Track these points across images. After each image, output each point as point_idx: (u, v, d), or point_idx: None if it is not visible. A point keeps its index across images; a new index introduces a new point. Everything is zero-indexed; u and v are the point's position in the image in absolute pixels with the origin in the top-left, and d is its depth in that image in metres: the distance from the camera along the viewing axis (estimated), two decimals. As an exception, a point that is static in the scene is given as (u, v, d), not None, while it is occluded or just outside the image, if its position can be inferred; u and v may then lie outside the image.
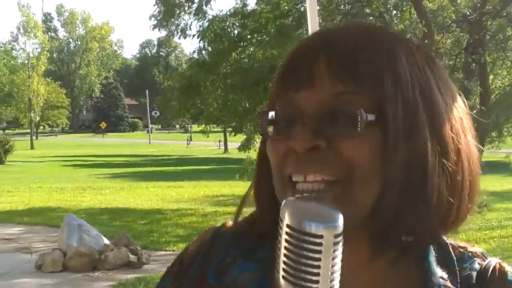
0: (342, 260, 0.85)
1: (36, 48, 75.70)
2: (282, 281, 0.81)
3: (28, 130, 79.19)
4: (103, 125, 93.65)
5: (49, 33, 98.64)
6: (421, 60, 0.98)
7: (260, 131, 1.00)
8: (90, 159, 49.76)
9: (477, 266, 1.02)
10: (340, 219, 0.81)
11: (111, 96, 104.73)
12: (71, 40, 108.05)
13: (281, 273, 0.80)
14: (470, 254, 1.04)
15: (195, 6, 18.05)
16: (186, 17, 18.54)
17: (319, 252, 0.78)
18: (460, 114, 0.99)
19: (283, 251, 0.80)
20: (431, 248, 1.00)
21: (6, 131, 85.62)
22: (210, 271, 1.07)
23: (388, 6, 20.30)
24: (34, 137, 77.48)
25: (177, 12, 18.19)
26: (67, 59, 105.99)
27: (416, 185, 0.91)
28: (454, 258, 1.01)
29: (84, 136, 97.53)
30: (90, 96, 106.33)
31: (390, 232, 0.92)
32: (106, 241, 11.52)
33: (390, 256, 0.95)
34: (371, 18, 19.68)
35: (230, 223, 1.13)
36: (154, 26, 18.62)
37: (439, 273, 0.98)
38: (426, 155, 0.92)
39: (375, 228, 0.92)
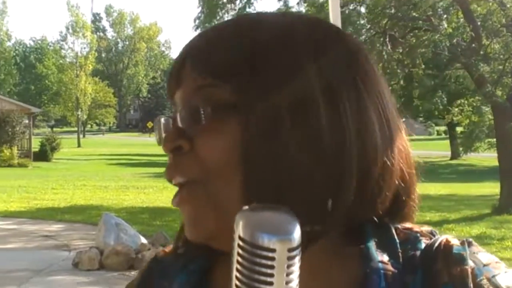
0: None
1: (85, 48, 76.95)
2: None
3: (76, 129, 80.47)
4: (149, 124, 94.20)
5: (98, 33, 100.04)
6: (302, 37, 0.89)
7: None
8: (135, 158, 50.32)
9: (422, 246, 0.93)
10: (297, 231, 0.74)
11: (158, 96, 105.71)
12: (119, 40, 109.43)
13: None
14: (416, 234, 0.95)
15: (237, 7, 18.09)
16: (229, 18, 18.60)
17: (272, 267, 0.72)
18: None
19: (235, 265, 0.74)
20: (370, 233, 0.92)
21: (54, 129, 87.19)
22: None
23: (437, 8, 20.04)
24: (81, 136, 78.72)
25: (220, 13, 18.26)
26: (115, 59, 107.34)
27: (286, 179, 0.83)
28: (396, 240, 0.92)
29: (130, 135, 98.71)
30: (137, 95, 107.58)
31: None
32: (143, 240, 11.59)
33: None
34: (419, 22, 19.48)
35: (170, 246, 1.07)
36: (196, 27, 18.70)
37: (379, 257, 0.90)
38: (287, 149, 0.83)
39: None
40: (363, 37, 18.10)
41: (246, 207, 0.79)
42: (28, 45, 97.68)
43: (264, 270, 0.72)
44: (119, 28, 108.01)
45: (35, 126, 64.15)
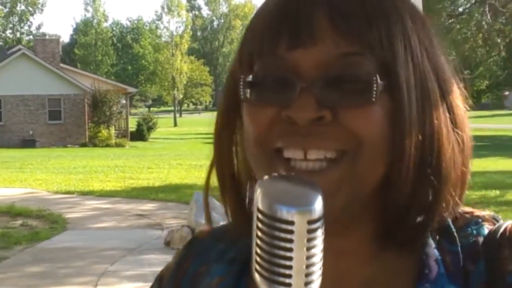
0: (338, 249, 0.82)
1: (180, 27, 78.11)
2: (255, 274, 0.70)
3: (172, 108, 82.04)
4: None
5: (193, 12, 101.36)
6: (421, 20, 0.87)
7: (241, 95, 0.84)
8: (230, 137, 50.83)
9: (485, 231, 0.88)
10: (318, 203, 0.69)
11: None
12: (214, 18, 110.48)
13: (254, 265, 0.70)
14: (478, 219, 0.89)
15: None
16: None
17: (290, 241, 0.68)
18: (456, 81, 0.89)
19: (255, 240, 0.70)
20: None
21: (151, 109, 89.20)
22: (183, 282, 0.98)
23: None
24: (177, 115, 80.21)
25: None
26: (210, 37, 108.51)
27: (431, 157, 0.82)
28: (450, 222, 0.88)
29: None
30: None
31: (404, 209, 0.83)
32: (234, 219, 11.66)
33: (397, 241, 0.85)
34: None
35: (207, 227, 1.02)
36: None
37: (434, 243, 0.87)
38: (440, 125, 0.83)
39: (389, 205, 0.83)
40: (461, 8, 17.55)
41: (266, 176, 0.74)
42: (125, 26, 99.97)
43: (283, 244, 0.68)
44: (214, 6, 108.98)
45: (132, 106, 65.79)
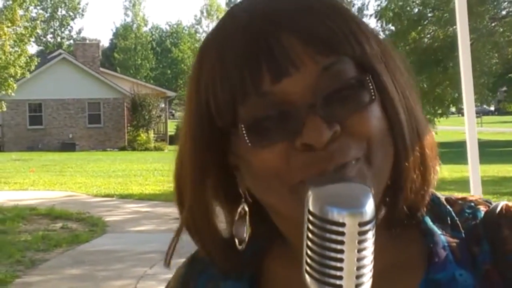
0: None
1: (219, 31, 78.30)
2: (305, 276, 0.72)
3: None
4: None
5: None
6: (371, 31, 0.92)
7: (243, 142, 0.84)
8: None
9: (481, 214, 0.91)
10: (369, 204, 0.71)
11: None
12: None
13: (304, 266, 0.72)
14: (471, 203, 0.94)
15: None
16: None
17: (342, 242, 0.69)
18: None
19: (305, 241, 0.72)
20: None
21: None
22: None
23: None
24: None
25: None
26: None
27: (414, 145, 0.88)
28: (450, 209, 0.92)
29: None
30: None
31: (400, 199, 0.87)
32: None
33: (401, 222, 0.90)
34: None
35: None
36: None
37: (439, 230, 0.90)
38: (417, 111, 0.89)
39: (393, 196, 0.87)
40: (504, 11, 17.29)
41: (316, 177, 0.78)
42: (164, 30, 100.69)
43: (334, 246, 0.71)
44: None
45: (171, 110, 66.22)
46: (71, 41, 74.81)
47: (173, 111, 66.72)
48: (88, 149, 42.57)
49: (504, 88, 40.75)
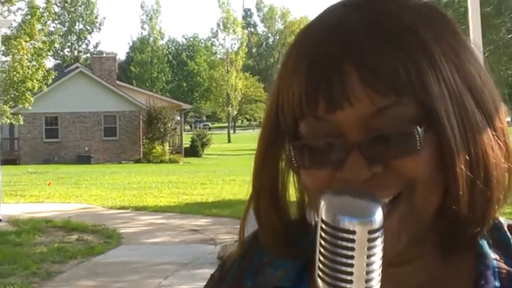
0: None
1: (235, 44, 78.57)
2: (318, 280, 0.77)
3: (226, 124, 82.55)
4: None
5: (249, 29, 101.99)
6: (449, 40, 0.87)
7: (290, 161, 0.88)
8: (284, 153, 50.87)
9: None
10: (378, 214, 0.76)
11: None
12: (270, 35, 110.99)
13: (317, 271, 0.77)
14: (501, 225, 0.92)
15: None
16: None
17: (352, 249, 0.75)
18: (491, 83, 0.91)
19: (318, 248, 0.77)
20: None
21: (205, 125, 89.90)
22: (248, 273, 1.01)
23: None
24: (231, 131, 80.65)
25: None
26: (266, 54, 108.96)
27: (480, 175, 0.85)
28: (510, 237, 0.91)
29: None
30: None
31: (463, 224, 0.86)
32: (287, 235, 11.65)
33: (457, 250, 0.89)
34: None
35: None
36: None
37: (493, 255, 0.89)
38: (486, 150, 0.85)
39: (449, 225, 0.86)
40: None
41: (329, 190, 0.81)
42: (180, 43, 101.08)
43: (345, 252, 0.74)
44: (269, 23, 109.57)
45: (186, 123, 66.38)
46: (88, 55, 75.28)
47: (189, 124, 66.83)
48: (104, 162, 42.78)
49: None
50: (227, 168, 34.80)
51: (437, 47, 0.84)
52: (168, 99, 51.40)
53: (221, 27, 79.64)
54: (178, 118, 48.43)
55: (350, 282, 0.74)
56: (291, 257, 0.95)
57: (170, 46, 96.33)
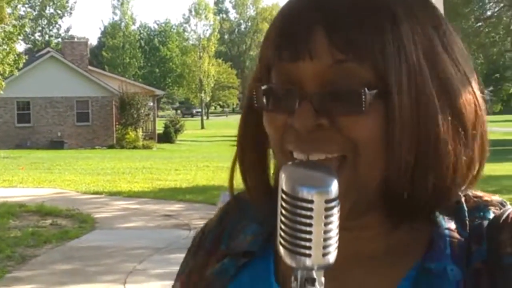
0: (356, 231, 0.94)
1: (207, 30, 78.32)
2: (279, 247, 0.81)
3: (199, 110, 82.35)
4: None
5: (220, 15, 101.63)
6: (422, 18, 0.91)
7: (254, 102, 0.95)
8: (257, 140, 50.86)
9: (491, 215, 0.95)
10: (334, 185, 0.80)
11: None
12: (242, 21, 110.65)
13: (278, 239, 0.81)
14: (486, 203, 0.97)
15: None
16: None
17: (310, 217, 0.78)
18: (473, 78, 0.95)
19: (279, 217, 0.81)
20: None
21: (178, 112, 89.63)
22: (223, 237, 1.08)
23: None
24: (204, 117, 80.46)
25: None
26: (238, 40, 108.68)
27: (426, 156, 0.89)
28: (465, 208, 0.96)
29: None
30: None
31: (403, 203, 0.91)
32: (261, 220, 11.77)
33: (400, 220, 0.94)
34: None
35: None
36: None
37: (446, 224, 0.94)
38: (437, 127, 0.88)
39: (388, 201, 0.92)
40: (490, 11, 17.48)
41: (290, 163, 0.87)
42: (152, 29, 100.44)
43: (304, 220, 0.78)
44: (241, 9, 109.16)
45: (159, 109, 66.13)
46: (59, 39, 74.44)
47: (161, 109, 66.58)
48: (77, 147, 42.51)
49: (490, 88, 41.00)
50: (201, 154, 34.82)
51: (408, 22, 0.88)
52: (141, 85, 51.11)
53: (193, 13, 79.33)
54: (151, 104, 48.21)
55: (309, 248, 0.78)
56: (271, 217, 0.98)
57: (142, 31, 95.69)
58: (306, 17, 0.88)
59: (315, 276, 0.80)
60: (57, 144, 41.99)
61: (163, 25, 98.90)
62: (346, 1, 0.88)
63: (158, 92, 53.29)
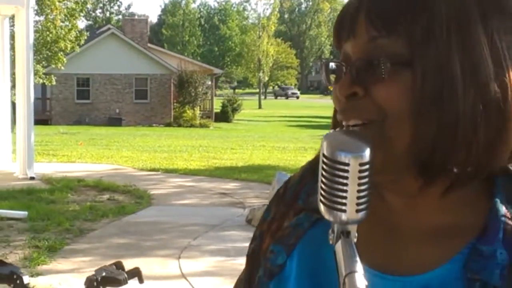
0: (392, 192, 1.04)
1: (267, 9, 78.31)
2: (320, 204, 0.93)
3: (257, 90, 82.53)
4: (331, 87, 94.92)
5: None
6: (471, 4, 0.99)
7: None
8: (315, 120, 50.91)
9: None
10: (367, 151, 0.91)
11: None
12: (302, 0, 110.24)
13: (319, 197, 0.93)
14: None
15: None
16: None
17: (346, 178, 0.90)
18: None
19: (320, 178, 0.92)
20: (500, 186, 1.03)
21: (236, 91, 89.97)
22: (302, 194, 1.18)
23: None
24: (262, 97, 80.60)
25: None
26: (298, 20, 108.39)
27: (449, 129, 0.97)
28: None
29: (311, 97, 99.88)
30: (320, 57, 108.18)
31: (430, 164, 0.99)
32: (315, 200, 11.83)
33: (440, 187, 1.02)
34: None
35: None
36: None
37: (503, 211, 1.01)
38: (459, 101, 0.96)
39: (415, 163, 0.99)
40: None
41: (332, 131, 1.00)
42: (212, 7, 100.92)
43: (340, 180, 0.90)
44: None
45: (217, 87, 66.51)
46: (120, 17, 75.41)
47: (220, 88, 66.91)
48: (134, 124, 43.21)
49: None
50: (257, 134, 35.01)
51: (447, 13, 0.97)
52: (199, 63, 51.55)
53: (254, -9, 79.20)
54: (209, 82, 48.58)
55: (345, 204, 0.90)
56: None
57: (202, 10, 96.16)
58: (354, 5, 1.02)
59: (349, 229, 0.92)
60: (115, 121, 42.74)
61: (223, 3, 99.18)
62: None
63: (217, 71, 53.61)
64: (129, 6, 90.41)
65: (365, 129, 0.99)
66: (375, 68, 0.97)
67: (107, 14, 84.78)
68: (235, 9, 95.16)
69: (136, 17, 48.90)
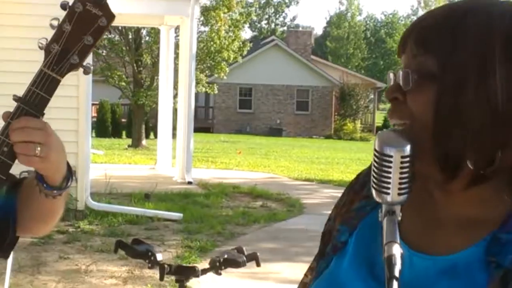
0: (421, 182, 1.22)
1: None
2: (371, 189, 1.18)
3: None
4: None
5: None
6: (498, 29, 1.16)
7: None
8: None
9: None
10: (408, 146, 1.14)
11: None
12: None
13: (371, 183, 1.18)
14: None
15: None
16: None
17: (390, 167, 1.14)
18: None
19: (372, 167, 1.18)
20: None
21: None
22: (368, 183, 1.34)
23: None
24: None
25: None
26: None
27: (462, 139, 1.14)
28: None
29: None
30: None
31: (447, 165, 1.17)
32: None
33: (461, 184, 1.19)
34: None
35: None
36: None
37: None
38: (471, 120, 1.13)
39: (436, 160, 1.17)
40: None
41: (384, 130, 1.22)
42: (379, 20, 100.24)
43: (386, 169, 1.15)
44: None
45: (380, 101, 66.00)
46: (285, 28, 76.70)
47: (383, 102, 66.22)
48: (294, 135, 43.81)
49: None
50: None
51: (472, 33, 1.16)
52: (362, 76, 51.50)
53: (422, 4, 78.04)
54: (372, 96, 48.37)
55: (389, 188, 1.14)
56: None
57: (368, 22, 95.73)
58: (408, 29, 1.26)
59: (394, 209, 1.15)
60: (275, 131, 43.50)
61: (390, 16, 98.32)
62: (433, 13, 1.24)
63: (380, 84, 53.22)
64: (294, 18, 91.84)
65: (406, 128, 1.19)
66: (408, 79, 1.18)
67: (272, 25, 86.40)
68: (403, 22, 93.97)
69: (300, 28, 49.55)
